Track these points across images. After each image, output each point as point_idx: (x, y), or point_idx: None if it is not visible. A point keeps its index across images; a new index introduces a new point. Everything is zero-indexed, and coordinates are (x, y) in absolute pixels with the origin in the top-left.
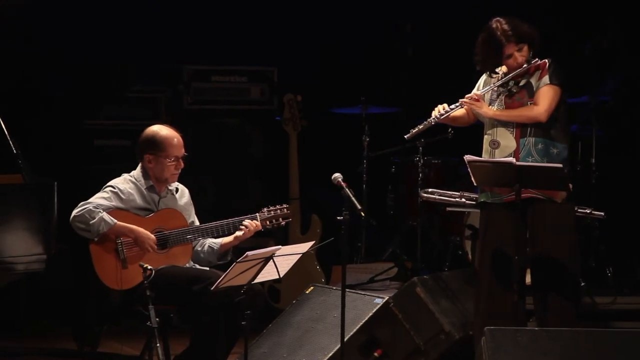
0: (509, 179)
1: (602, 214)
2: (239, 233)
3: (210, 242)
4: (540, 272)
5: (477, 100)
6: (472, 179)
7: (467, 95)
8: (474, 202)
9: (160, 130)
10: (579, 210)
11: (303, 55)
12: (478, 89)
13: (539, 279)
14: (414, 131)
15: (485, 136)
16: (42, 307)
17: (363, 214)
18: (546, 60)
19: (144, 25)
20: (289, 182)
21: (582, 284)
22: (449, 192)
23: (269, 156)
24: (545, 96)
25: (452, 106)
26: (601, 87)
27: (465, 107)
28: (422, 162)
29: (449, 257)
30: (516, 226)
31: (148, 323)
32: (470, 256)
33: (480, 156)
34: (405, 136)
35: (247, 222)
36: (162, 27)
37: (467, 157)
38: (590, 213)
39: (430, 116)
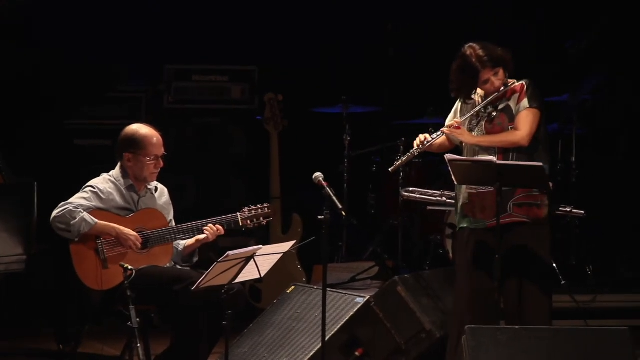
0: (489, 178)
1: (582, 212)
2: (200, 236)
3: (175, 243)
4: (514, 294)
5: (458, 128)
6: (453, 178)
7: (447, 124)
8: (454, 201)
9: (140, 129)
10: (560, 208)
11: (284, 54)
12: (456, 115)
13: (512, 285)
14: (397, 163)
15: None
16: (22, 307)
17: (344, 213)
18: (523, 83)
19: (125, 25)
20: (270, 182)
21: (563, 282)
22: (430, 191)
23: (250, 156)
24: (526, 120)
25: (434, 135)
26: (582, 86)
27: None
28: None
29: (430, 256)
30: (492, 251)
31: (129, 323)
32: (451, 255)
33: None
34: (390, 169)
35: (208, 227)
36: (143, 26)
37: (448, 156)
38: (571, 212)
39: (413, 147)
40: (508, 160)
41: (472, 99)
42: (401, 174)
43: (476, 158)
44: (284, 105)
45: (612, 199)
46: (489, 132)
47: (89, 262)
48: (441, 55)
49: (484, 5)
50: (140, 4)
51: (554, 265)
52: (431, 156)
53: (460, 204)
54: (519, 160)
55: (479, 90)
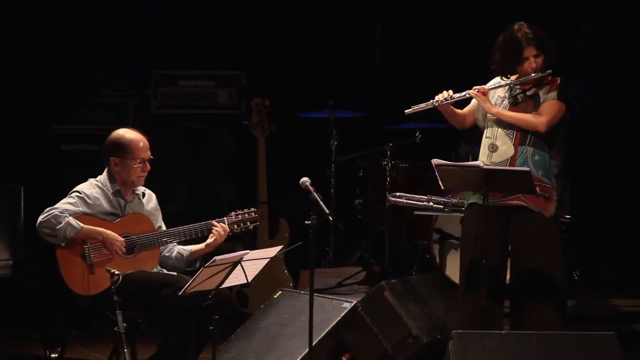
0: (476, 183)
1: (569, 217)
2: (209, 240)
3: (180, 248)
4: (522, 282)
5: (484, 94)
6: (440, 183)
7: (474, 87)
8: (441, 206)
9: (126, 133)
10: None
11: (271, 59)
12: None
13: (521, 288)
14: (414, 107)
15: (485, 139)
16: (8, 312)
17: (331, 218)
18: (558, 78)
19: (111, 29)
20: (257, 186)
21: None
22: (417, 196)
23: (237, 160)
24: (551, 109)
25: (457, 95)
26: (569, 90)
27: (470, 99)
28: (390, 166)
29: (416, 261)
30: (500, 229)
31: (115, 328)
32: (437, 260)
33: (458, 160)
34: (405, 111)
35: (217, 227)
36: (130, 31)
37: (435, 161)
38: None
39: (434, 98)
40: (524, 143)
41: (509, 78)
42: (388, 178)
43: (463, 163)
44: (271, 110)
45: (599, 204)
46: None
47: (76, 267)
48: (428, 60)
49: (473, 10)
50: (127, 9)
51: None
52: (418, 161)
53: None
54: (534, 147)
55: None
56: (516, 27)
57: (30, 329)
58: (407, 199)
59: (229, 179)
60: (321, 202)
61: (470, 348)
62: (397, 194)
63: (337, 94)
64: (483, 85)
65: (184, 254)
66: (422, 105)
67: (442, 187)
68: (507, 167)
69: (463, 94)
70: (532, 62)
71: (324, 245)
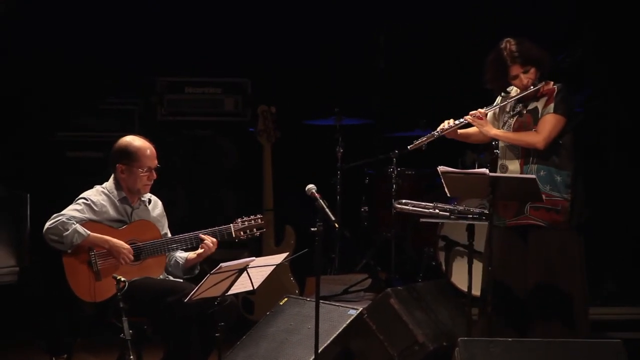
0: (482, 190)
1: None
2: (199, 251)
3: (177, 256)
4: (535, 301)
5: (480, 118)
6: (446, 190)
7: (471, 112)
8: (447, 213)
9: (134, 140)
10: None
11: (277, 66)
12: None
13: (534, 307)
14: (417, 142)
15: (497, 158)
16: (14, 319)
17: (337, 225)
18: (555, 87)
19: (117, 37)
20: (263, 193)
21: None
22: (423, 203)
23: (243, 167)
24: (547, 125)
25: (457, 122)
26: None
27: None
28: (395, 173)
29: (422, 268)
30: (514, 251)
31: (121, 335)
32: (443, 267)
33: (464, 168)
34: (409, 147)
35: (206, 240)
36: (136, 39)
37: (441, 168)
38: None
39: (436, 129)
40: (529, 162)
41: (508, 93)
42: (394, 185)
43: (469, 170)
44: (276, 117)
45: (603, 213)
46: (515, 131)
47: (82, 274)
48: (433, 67)
49: (477, 19)
50: (134, 17)
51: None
52: (424, 168)
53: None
54: (538, 163)
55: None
56: (502, 45)
57: (36, 335)
58: (413, 206)
59: (234, 186)
60: (327, 209)
61: (476, 355)
62: (403, 201)
63: (343, 102)
64: (479, 109)
65: (180, 262)
66: (424, 138)
67: (448, 194)
68: (513, 175)
69: (461, 120)
70: (522, 79)
71: (330, 252)
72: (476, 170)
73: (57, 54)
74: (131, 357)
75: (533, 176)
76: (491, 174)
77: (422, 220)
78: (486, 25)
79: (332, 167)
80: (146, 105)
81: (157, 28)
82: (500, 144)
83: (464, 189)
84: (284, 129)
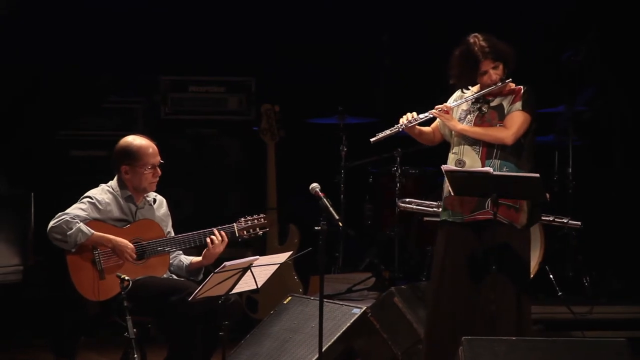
0: (485, 189)
1: (579, 223)
2: (206, 252)
3: (181, 257)
4: (491, 294)
5: (447, 112)
6: (450, 188)
7: (437, 106)
8: None
9: (134, 140)
10: (556, 219)
11: (281, 65)
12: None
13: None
14: (380, 135)
15: (451, 155)
16: (19, 318)
17: (341, 224)
18: (521, 87)
19: (121, 36)
20: (267, 192)
21: (560, 293)
22: (426, 202)
23: (247, 166)
24: (516, 121)
25: (422, 115)
26: (578, 97)
27: (435, 117)
28: (399, 172)
29: (426, 266)
30: (474, 246)
31: (125, 334)
32: None
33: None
34: (371, 140)
35: (211, 236)
36: (139, 37)
37: (445, 167)
38: (567, 223)
39: (398, 122)
40: (491, 157)
41: (469, 89)
42: (397, 184)
43: (473, 169)
44: (280, 116)
45: (609, 210)
46: (476, 127)
47: (86, 272)
48: (437, 65)
49: (482, 18)
50: (137, 16)
51: (551, 275)
52: (427, 167)
53: (443, 196)
54: (502, 159)
55: (474, 88)
56: (471, 40)
57: (40, 334)
58: (416, 205)
59: (238, 184)
60: (331, 208)
61: (480, 354)
62: (407, 199)
63: (347, 100)
64: (445, 103)
65: (184, 263)
66: (388, 132)
67: (452, 193)
68: (517, 174)
69: (426, 114)
70: (491, 74)
71: (334, 251)
72: (480, 169)
73: (60, 53)
74: (135, 355)
75: (537, 175)
76: (495, 172)
77: (425, 219)
78: (491, 24)
79: (335, 166)
80: (150, 104)
81: (161, 27)
82: (458, 142)
83: (467, 188)
84: (287, 128)
